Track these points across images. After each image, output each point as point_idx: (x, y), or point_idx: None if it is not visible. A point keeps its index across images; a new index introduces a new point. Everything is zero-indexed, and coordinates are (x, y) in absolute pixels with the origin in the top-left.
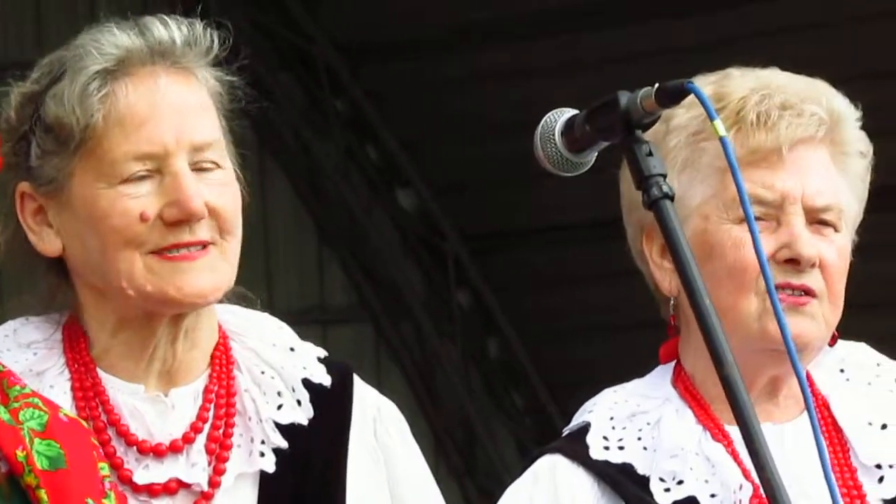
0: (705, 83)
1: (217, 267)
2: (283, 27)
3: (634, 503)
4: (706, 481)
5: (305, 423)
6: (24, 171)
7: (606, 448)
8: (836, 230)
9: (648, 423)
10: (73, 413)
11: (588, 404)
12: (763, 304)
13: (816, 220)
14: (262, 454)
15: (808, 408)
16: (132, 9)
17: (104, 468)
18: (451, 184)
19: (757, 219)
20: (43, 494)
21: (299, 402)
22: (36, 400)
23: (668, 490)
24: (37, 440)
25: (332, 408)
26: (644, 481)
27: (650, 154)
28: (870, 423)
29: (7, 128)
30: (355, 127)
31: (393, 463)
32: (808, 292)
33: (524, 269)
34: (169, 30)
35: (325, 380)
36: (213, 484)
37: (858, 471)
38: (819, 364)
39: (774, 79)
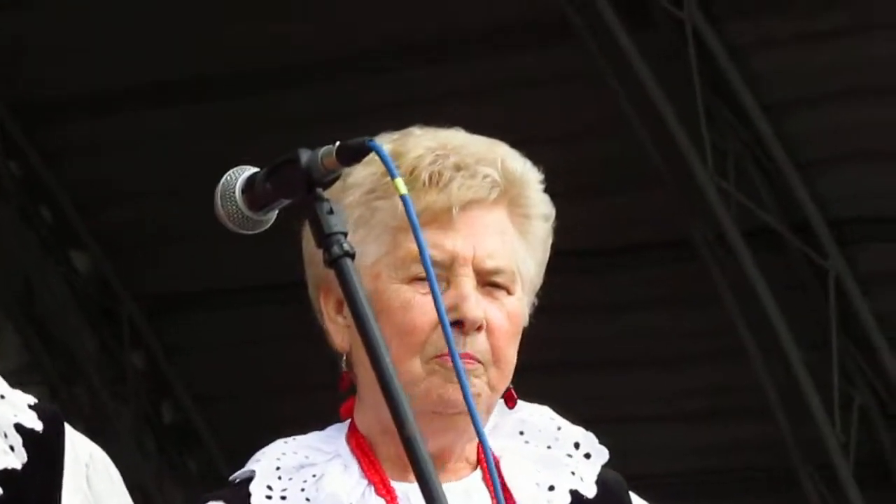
0: (386, 141)
1: None
2: None
3: None
4: None
5: (20, 467)
6: None
7: (269, 497)
8: (508, 293)
9: (314, 476)
10: None
11: (258, 454)
12: (427, 368)
13: (487, 282)
14: None
15: (489, 466)
16: None
17: None
18: (126, 246)
19: (418, 279)
20: None
21: (12, 448)
22: None
23: None
24: None
25: (45, 452)
26: None
27: (331, 212)
28: (537, 484)
29: None
30: (30, 188)
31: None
32: (473, 359)
33: (200, 330)
34: None
35: (36, 425)
36: None
37: None
38: (497, 426)
39: (453, 139)
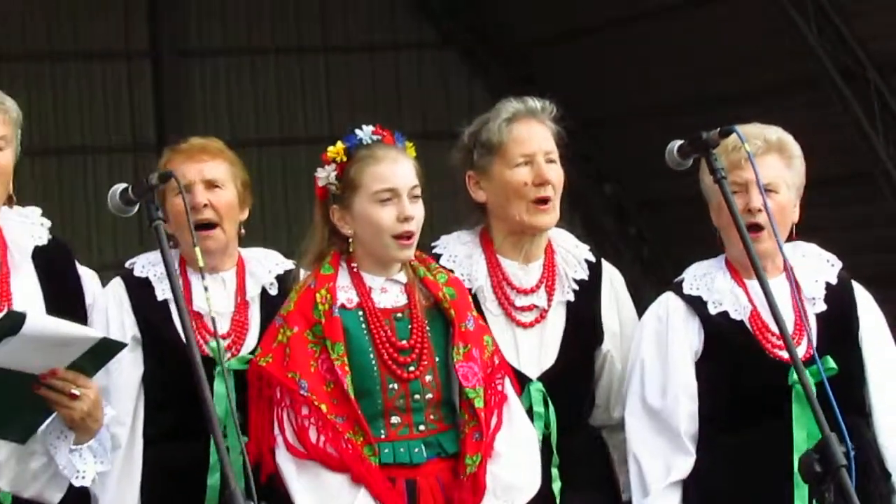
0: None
1: (553, 212)
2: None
3: (700, 312)
4: (733, 303)
5: (586, 278)
6: (470, 164)
7: (690, 288)
8: (776, 192)
9: (712, 279)
10: (483, 277)
11: (687, 269)
12: (743, 243)
13: (766, 189)
14: (567, 292)
15: (791, 274)
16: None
17: (470, 297)
18: None
19: (735, 192)
20: (451, 311)
21: (583, 269)
22: (441, 270)
23: (715, 307)
24: (444, 287)
25: (601, 272)
26: (705, 303)
27: (716, 160)
28: (808, 278)
29: (461, 146)
30: None
31: (619, 300)
32: (757, 226)
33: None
34: (534, 102)
35: (592, 259)
36: (549, 305)
37: (805, 301)
38: (790, 252)
39: (745, 128)
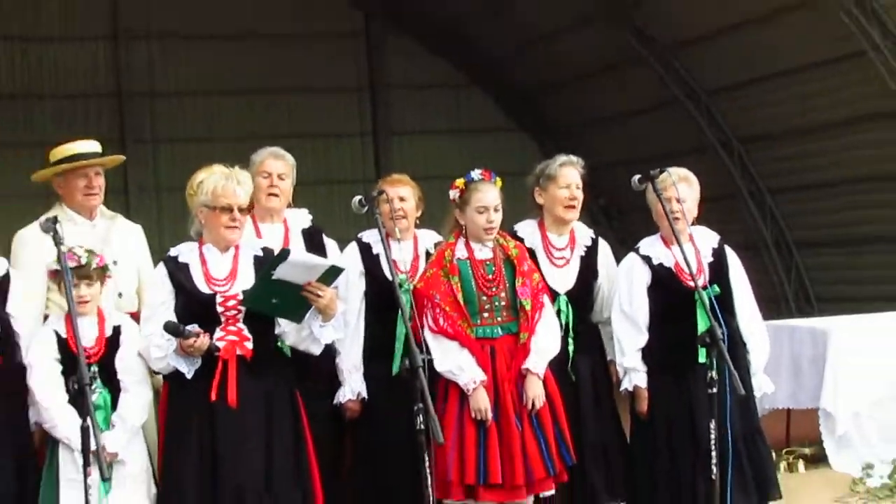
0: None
1: (576, 212)
2: None
3: (649, 263)
4: (665, 259)
5: (590, 244)
6: (537, 183)
7: (643, 251)
8: (685, 202)
9: (653, 246)
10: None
11: (640, 242)
12: (670, 227)
13: (679, 199)
14: (581, 251)
15: (694, 242)
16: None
17: (528, 254)
18: None
19: (668, 200)
20: (515, 262)
21: (589, 240)
22: (511, 240)
23: (656, 260)
24: (512, 249)
25: (598, 243)
26: (650, 259)
27: (657, 185)
28: (702, 244)
29: (534, 174)
30: None
31: (607, 259)
32: (676, 219)
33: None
34: (574, 158)
35: (593, 236)
36: (570, 257)
37: (701, 256)
38: (694, 232)
39: (669, 169)
